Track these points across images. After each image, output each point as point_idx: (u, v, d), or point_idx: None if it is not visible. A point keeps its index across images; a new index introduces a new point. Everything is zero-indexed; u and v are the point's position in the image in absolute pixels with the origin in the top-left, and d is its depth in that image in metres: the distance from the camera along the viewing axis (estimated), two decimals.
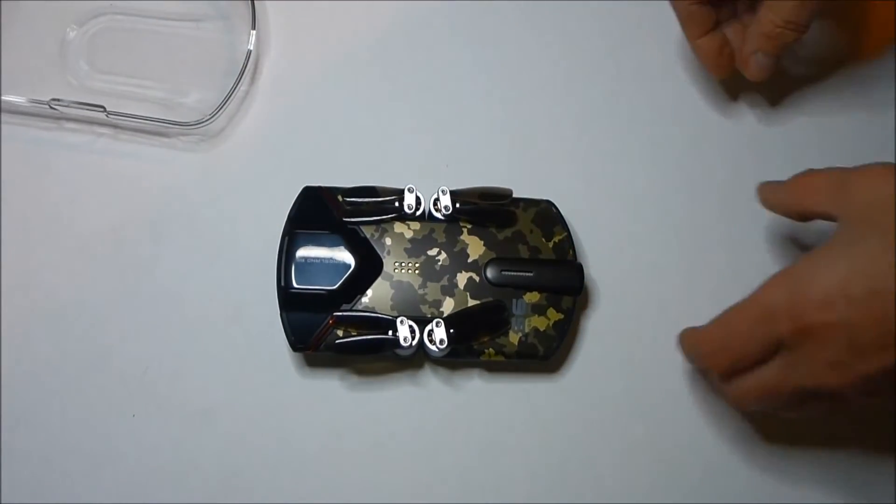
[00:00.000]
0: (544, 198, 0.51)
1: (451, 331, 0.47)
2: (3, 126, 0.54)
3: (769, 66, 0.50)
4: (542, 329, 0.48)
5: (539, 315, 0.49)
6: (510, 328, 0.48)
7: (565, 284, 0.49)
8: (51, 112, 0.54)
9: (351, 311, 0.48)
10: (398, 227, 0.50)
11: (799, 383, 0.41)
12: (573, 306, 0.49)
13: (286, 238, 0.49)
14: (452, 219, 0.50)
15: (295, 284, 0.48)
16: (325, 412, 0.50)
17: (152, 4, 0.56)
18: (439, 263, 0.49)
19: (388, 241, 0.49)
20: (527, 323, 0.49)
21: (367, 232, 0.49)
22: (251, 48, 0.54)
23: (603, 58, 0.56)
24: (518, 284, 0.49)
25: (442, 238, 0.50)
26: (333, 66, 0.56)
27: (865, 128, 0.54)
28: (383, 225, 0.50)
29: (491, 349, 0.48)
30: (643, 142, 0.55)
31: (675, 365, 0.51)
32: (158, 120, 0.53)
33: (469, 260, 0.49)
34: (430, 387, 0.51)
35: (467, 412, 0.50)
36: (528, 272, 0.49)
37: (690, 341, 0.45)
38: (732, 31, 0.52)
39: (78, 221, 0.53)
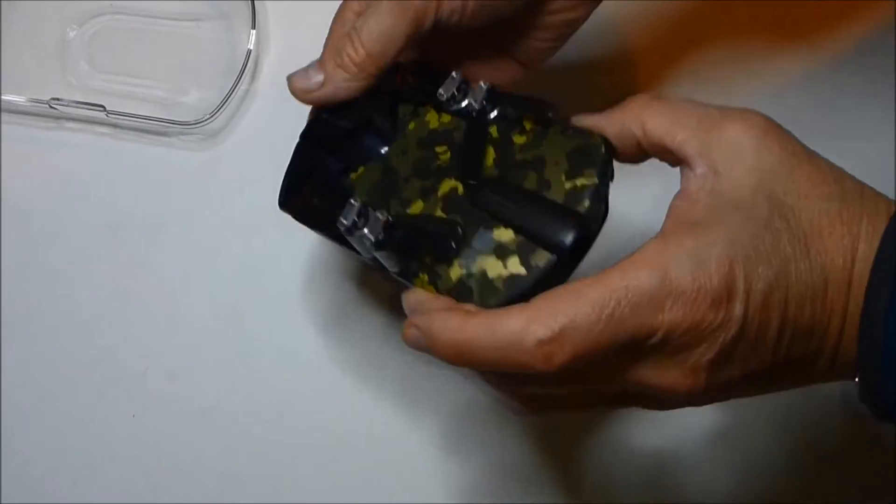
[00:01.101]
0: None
1: (390, 234, 0.38)
2: (3, 126, 0.55)
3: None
4: (490, 277, 0.36)
5: (498, 258, 0.36)
6: (457, 259, 0.37)
7: (548, 236, 0.35)
8: (51, 112, 0.54)
9: (321, 182, 0.42)
10: (429, 116, 0.42)
11: (633, 380, 0.33)
12: (546, 268, 0.35)
13: None
14: (482, 122, 0.40)
15: (329, 113, 0.42)
16: (325, 412, 0.50)
17: (152, 4, 0.56)
18: (437, 163, 0.40)
19: (411, 126, 0.42)
20: (478, 262, 0.36)
21: (403, 111, 0.42)
22: (251, 48, 0.54)
23: None
24: (495, 213, 0.37)
25: (460, 138, 0.40)
26: None
27: None
28: (419, 109, 0.42)
29: (425, 275, 0.38)
30: None
31: None
32: (158, 119, 0.53)
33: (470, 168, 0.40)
34: (428, 390, 0.51)
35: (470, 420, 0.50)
36: (514, 203, 0.37)
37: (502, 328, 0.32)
38: None
39: (78, 221, 0.53)
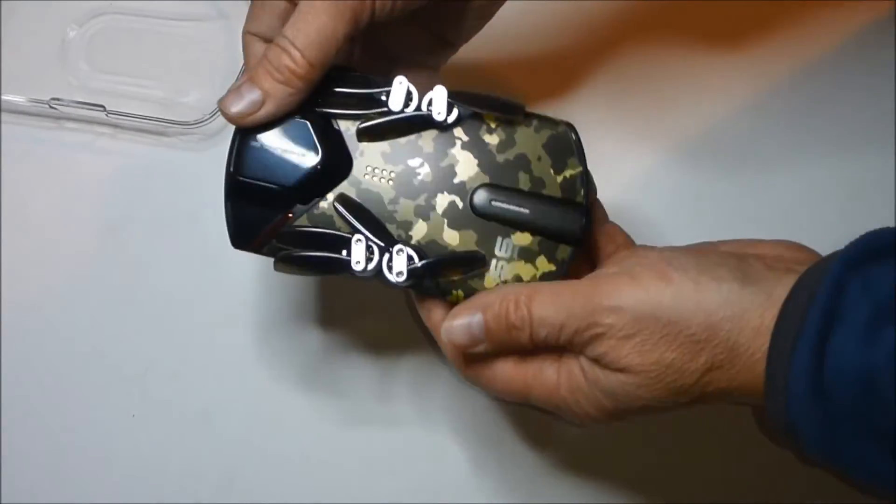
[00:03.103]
0: (563, 119, 0.41)
1: (417, 263, 0.40)
2: (3, 126, 0.54)
3: (247, 109, 0.38)
4: (526, 279, 0.40)
5: (526, 262, 0.40)
6: (488, 270, 0.40)
7: (566, 230, 0.40)
8: (51, 112, 0.54)
9: (297, 226, 0.40)
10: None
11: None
12: (569, 259, 0.40)
13: None
14: (446, 127, 0.41)
15: (245, 172, 0.40)
16: (324, 412, 0.50)
17: (152, 4, 0.56)
18: (419, 178, 0.41)
19: (364, 140, 0.41)
20: (509, 269, 0.40)
21: (343, 125, 0.41)
22: None
23: None
24: (509, 220, 0.40)
25: (429, 148, 0.41)
26: None
27: None
28: (363, 119, 0.41)
29: (461, 291, 0.40)
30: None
31: None
32: (158, 119, 0.53)
33: (455, 180, 0.41)
34: (427, 398, 0.51)
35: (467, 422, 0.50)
36: (524, 208, 0.40)
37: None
38: None
39: (78, 221, 0.53)
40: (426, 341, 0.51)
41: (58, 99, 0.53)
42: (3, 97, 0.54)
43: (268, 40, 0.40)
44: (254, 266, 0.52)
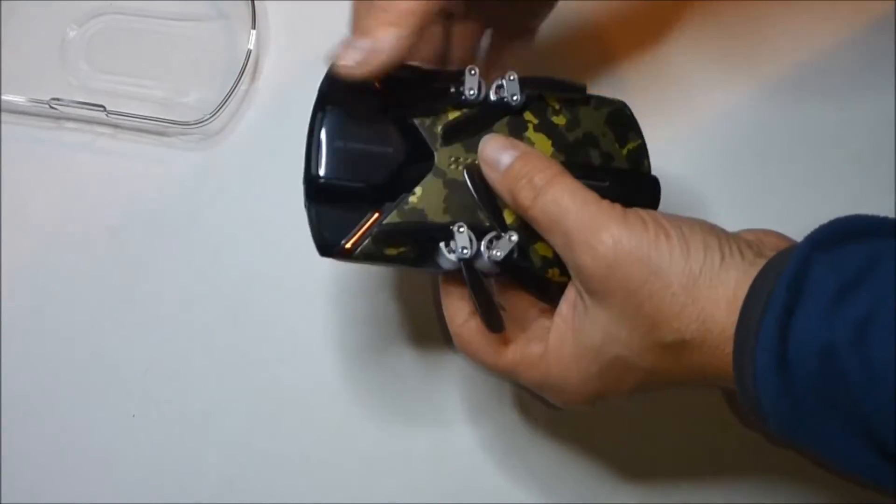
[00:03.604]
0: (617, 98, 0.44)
1: (514, 243, 0.39)
2: (3, 126, 0.55)
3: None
4: None
5: None
6: None
7: (642, 199, 0.41)
8: (51, 112, 0.54)
9: (392, 223, 0.39)
10: (453, 115, 0.41)
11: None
12: None
13: (317, 116, 0.40)
14: (518, 111, 0.42)
15: (325, 174, 0.39)
16: (324, 412, 0.50)
17: (152, 4, 0.56)
18: None
19: (439, 129, 0.41)
20: None
21: (417, 121, 0.41)
22: (251, 48, 0.54)
23: None
24: None
25: (504, 132, 0.42)
26: None
27: None
28: (438, 113, 0.41)
29: (556, 268, 0.40)
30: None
31: None
32: (158, 119, 0.53)
33: None
34: (428, 397, 0.51)
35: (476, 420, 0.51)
36: (603, 182, 0.41)
37: None
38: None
39: (78, 221, 0.53)
40: (433, 339, 0.51)
41: (58, 99, 0.53)
42: (3, 97, 0.54)
43: None
44: (254, 266, 0.52)
